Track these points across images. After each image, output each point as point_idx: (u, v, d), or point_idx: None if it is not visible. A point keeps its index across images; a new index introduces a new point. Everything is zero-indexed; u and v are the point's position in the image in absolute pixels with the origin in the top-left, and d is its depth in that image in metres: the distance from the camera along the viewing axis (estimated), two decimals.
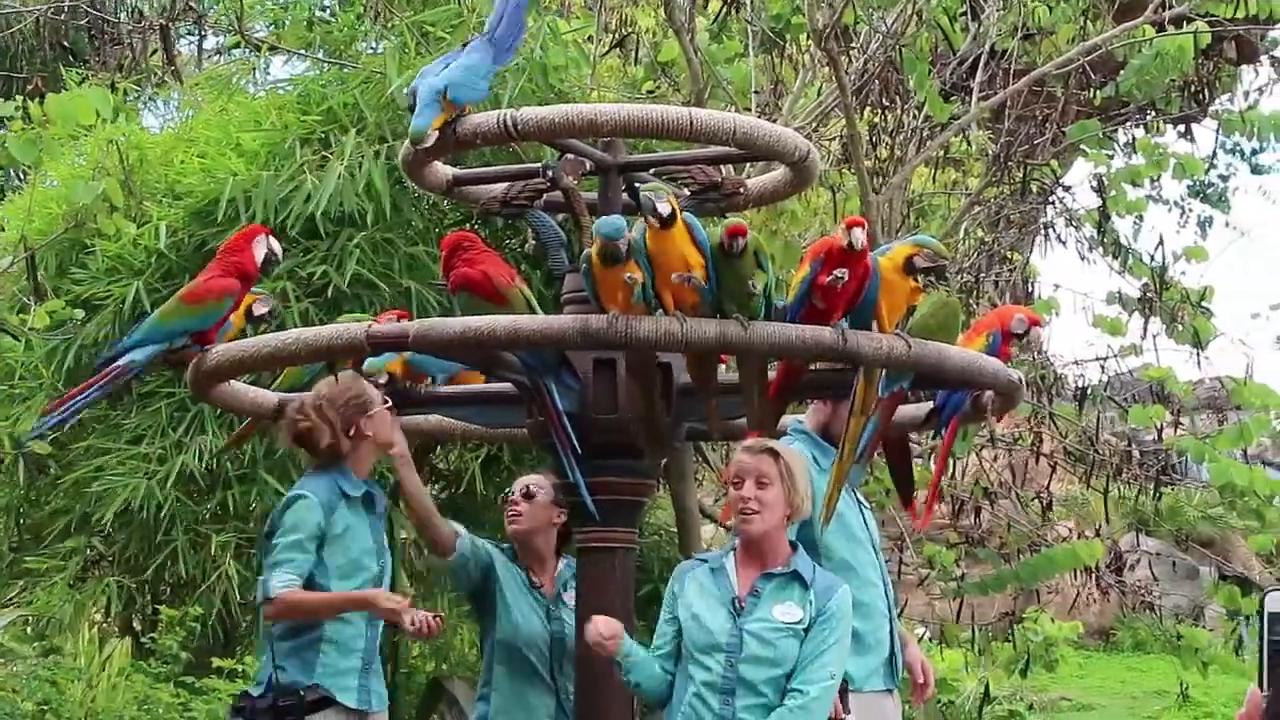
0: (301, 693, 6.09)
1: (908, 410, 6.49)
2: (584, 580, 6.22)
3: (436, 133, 5.80)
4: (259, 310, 6.77)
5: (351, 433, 6.27)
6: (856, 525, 6.44)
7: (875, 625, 6.39)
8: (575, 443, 5.92)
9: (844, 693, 6.04)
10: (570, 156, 6.29)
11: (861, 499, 6.63)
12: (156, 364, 6.36)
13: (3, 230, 9.86)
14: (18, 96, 8.54)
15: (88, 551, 9.80)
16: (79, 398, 6.37)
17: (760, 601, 5.56)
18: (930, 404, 6.51)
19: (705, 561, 5.72)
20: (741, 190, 6.47)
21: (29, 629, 10.48)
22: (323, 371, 6.53)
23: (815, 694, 5.53)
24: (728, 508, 5.89)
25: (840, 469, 6.03)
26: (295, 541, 6.12)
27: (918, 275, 5.78)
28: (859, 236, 5.51)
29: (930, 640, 12.54)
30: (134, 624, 10.80)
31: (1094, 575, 12.91)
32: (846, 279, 5.53)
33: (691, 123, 5.80)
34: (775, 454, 5.62)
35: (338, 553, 6.21)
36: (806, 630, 5.56)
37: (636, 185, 6.47)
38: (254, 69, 11.55)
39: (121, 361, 6.30)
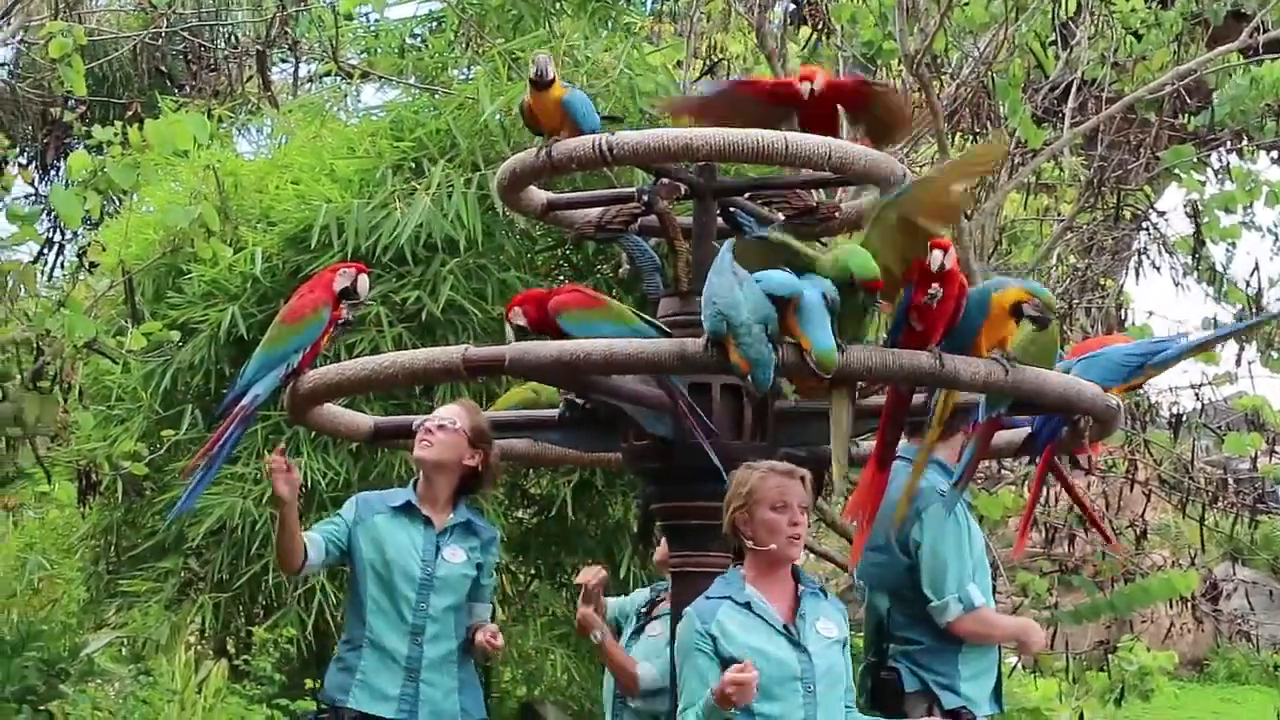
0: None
1: (1004, 435, 6.45)
2: (678, 605, 6.20)
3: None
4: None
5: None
6: (981, 550, 6.44)
7: (990, 649, 6.38)
8: (708, 423, 5.91)
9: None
10: (665, 181, 6.29)
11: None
12: (279, 391, 6.34)
13: (103, 253, 9.95)
14: (116, 123, 8.62)
15: (183, 573, 9.88)
16: (219, 447, 6.39)
17: (805, 623, 5.51)
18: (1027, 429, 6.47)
19: (725, 598, 5.48)
20: (837, 214, 6.45)
21: (125, 650, 10.56)
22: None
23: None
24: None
25: (912, 481, 6.08)
26: None
27: (1019, 319, 5.74)
28: (938, 258, 5.49)
29: (1024, 669, 12.43)
30: (228, 646, 10.87)
31: (1189, 605, 12.79)
32: (941, 296, 5.51)
33: (787, 147, 5.79)
34: (805, 480, 5.57)
35: (374, 553, 6.51)
36: (843, 645, 5.55)
37: (733, 211, 6.50)
38: (346, 96, 11.64)
39: (246, 400, 6.32)
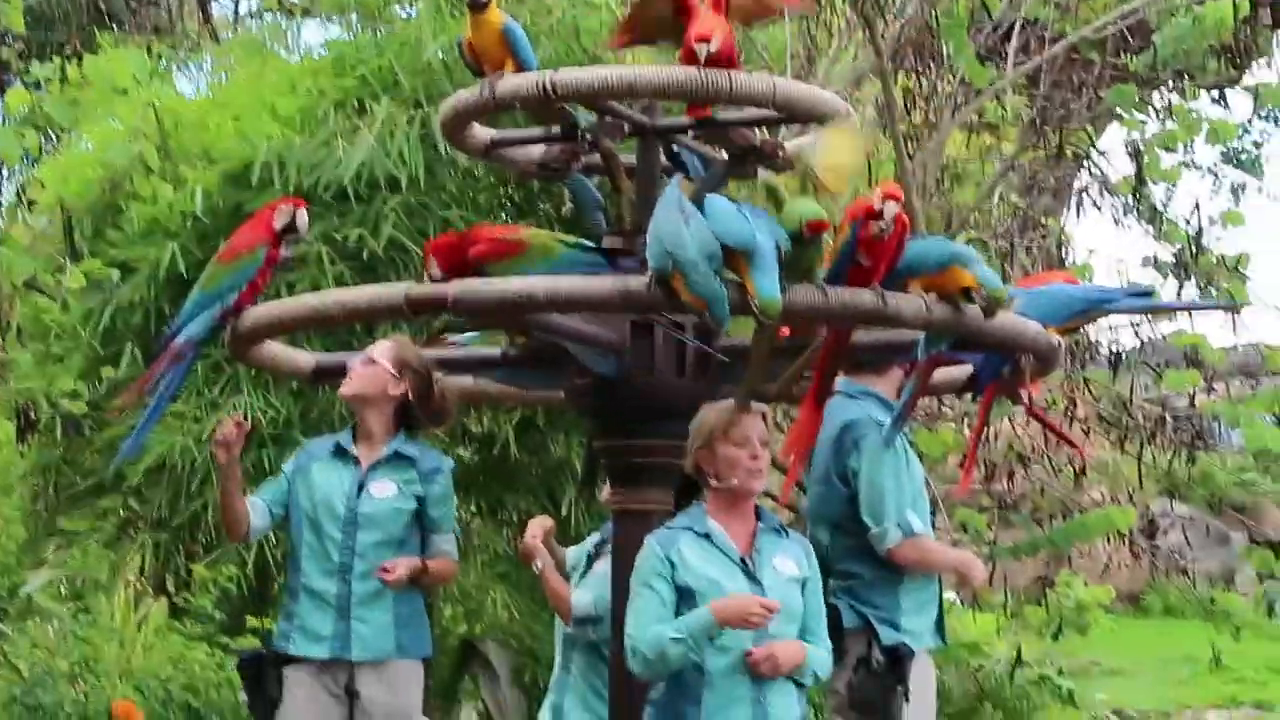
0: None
1: (945, 372, 6.47)
2: (619, 545, 6.22)
3: None
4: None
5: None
6: (920, 481, 6.48)
7: (930, 581, 6.43)
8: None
9: (899, 658, 6.10)
10: (609, 119, 6.27)
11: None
12: (216, 330, 6.30)
13: (41, 191, 9.88)
14: (55, 59, 8.56)
15: (122, 511, 9.86)
16: (161, 387, 6.35)
17: (763, 558, 5.55)
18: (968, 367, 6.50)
19: (687, 529, 5.54)
20: (780, 153, 6.44)
21: (64, 589, 10.55)
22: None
23: (828, 648, 5.58)
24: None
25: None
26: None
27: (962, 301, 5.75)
28: (891, 209, 5.50)
29: (962, 604, 12.52)
30: (168, 584, 10.86)
31: (1126, 540, 12.90)
32: (892, 229, 5.51)
33: (731, 85, 5.78)
34: (765, 415, 5.63)
35: (304, 500, 6.56)
36: (804, 584, 5.57)
37: (675, 148, 6.49)
38: (288, 33, 11.56)
39: (180, 340, 6.29)
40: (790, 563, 5.57)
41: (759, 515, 5.63)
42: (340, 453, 6.55)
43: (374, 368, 6.48)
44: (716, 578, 5.44)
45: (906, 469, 6.35)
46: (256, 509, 6.49)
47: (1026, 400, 6.56)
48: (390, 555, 6.46)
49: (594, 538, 7.05)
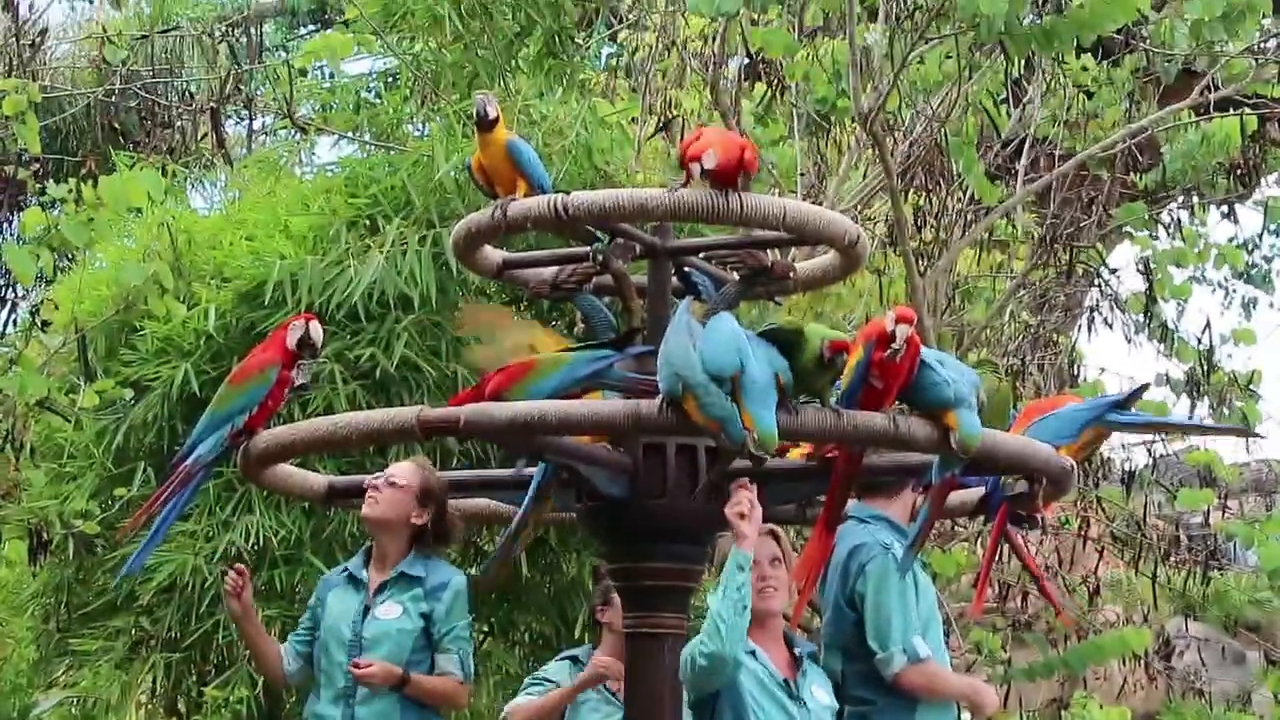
0: None
1: (958, 495, 6.46)
2: (632, 668, 6.19)
3: None
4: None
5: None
6: (931, 605, 6.46)
7: (948, 708, 6.39)
8: None
9: None
10: (620, 241, 6.30)
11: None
12: (223, 452, 6.31)
13: (55, 310, 9.91)
14: (70, 179, 8.61)
15: (134, 631, 9.81)
16: (168, 507, 6.39)
17: (805, 681, 5.56)
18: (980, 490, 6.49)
19: None
20: (791, 274, 6.46)
21: (76, 710, 10.47)
22: None
23: None
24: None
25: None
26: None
27: None
28: (903, 331, 5.52)
29: None
30: (179, 705, 10.78)
31: (1142, 661, 12.81)
32: (904, 350, 5.52)
33: (742, 207, 5.81)
34: (777, 535, 5.66)
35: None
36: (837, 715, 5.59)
37: (685, 269, 6.51)
38: (301, 150, 11.62)
39: (189, 460, 6.31)
40: (824, 693, 5.62)
41: (789, 641, 5.65)
42: (351, 579, 6.56)
43: (398, 493, 6.51)
44: (762, 702, 5.48)
45: (915, 593, 6.32)
46: (289, 655, 6.55)
47: (1040, 523, 6.54)
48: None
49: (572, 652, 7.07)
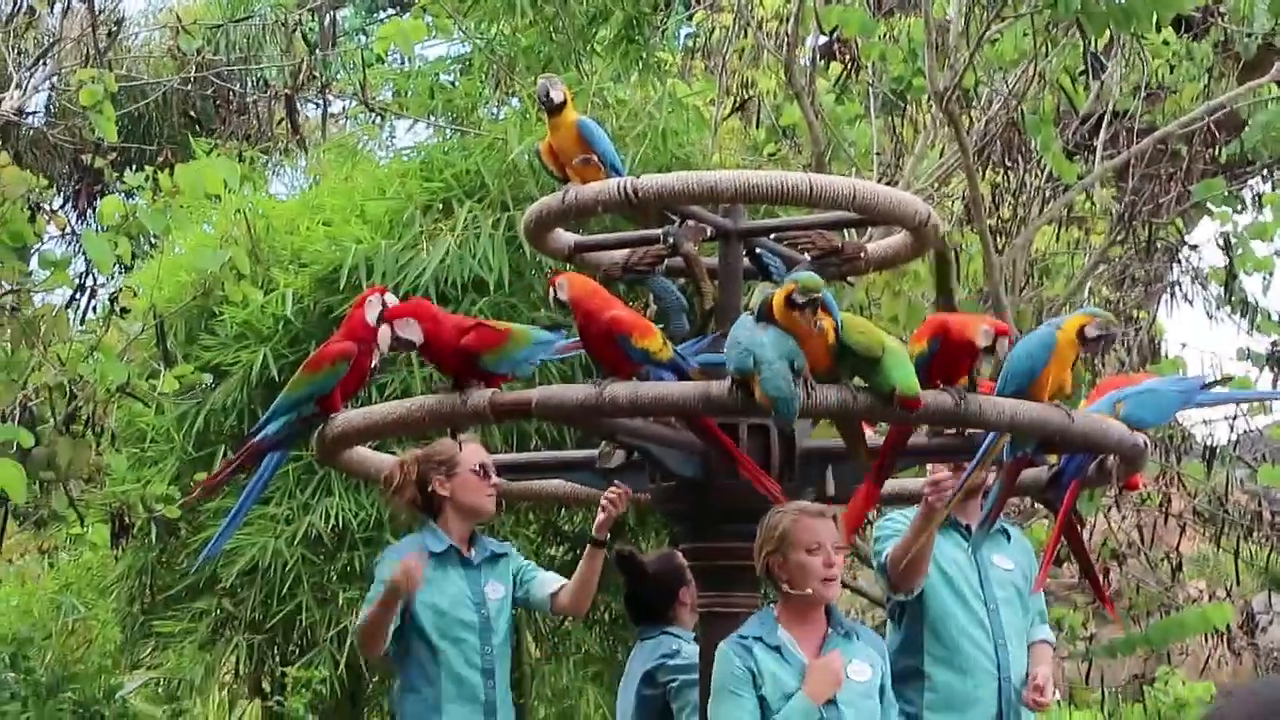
0: None
1: (1030, 473, 6.43)
2: (706, 647, 6.20)
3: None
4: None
5: (429, 490, 6.48)
6: (961, 578, 6.43)
7: (975, 682, 6.36)
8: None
9: None
10: (691, 222, 6.31)
11: (994, 560, 6.60)
12: (292, 435, 6.36)
13: (134, 297, 10.01)
14: (148, 167, 8.68)
15: (217, 612, 9.91)
16: (246, 492, 6.50)
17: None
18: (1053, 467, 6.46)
19: (758, 639, 5.51)
20: (862, 255, 6.46)
21: (160, 691, 10.60)
22: None
23: None
24: None
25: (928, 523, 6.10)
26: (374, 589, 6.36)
27: (1087, 345, 5.77)
28: (1002, 345, 5.54)
29: (1060, 702, 12.38)
30: (263, 685, 10.89)
31: (1226, 637, 12.73)
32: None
33: (811, 189, 5.80)
34: (837, 519, 5.59)
35: (427, 607, 6.40)
36: (880, 689, 5.52)
37: (757, 250, 6.51)
38: (378, 135, 11.68)
39: (256, 439, 6.36)
40: (865, 667, 5.51)
41: (829, 615, 5.58)
42: (453, 559, 6.57)
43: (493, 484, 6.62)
44: (793, 694, 5.41)
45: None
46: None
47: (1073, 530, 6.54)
48: (509, 652, 6.54)
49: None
